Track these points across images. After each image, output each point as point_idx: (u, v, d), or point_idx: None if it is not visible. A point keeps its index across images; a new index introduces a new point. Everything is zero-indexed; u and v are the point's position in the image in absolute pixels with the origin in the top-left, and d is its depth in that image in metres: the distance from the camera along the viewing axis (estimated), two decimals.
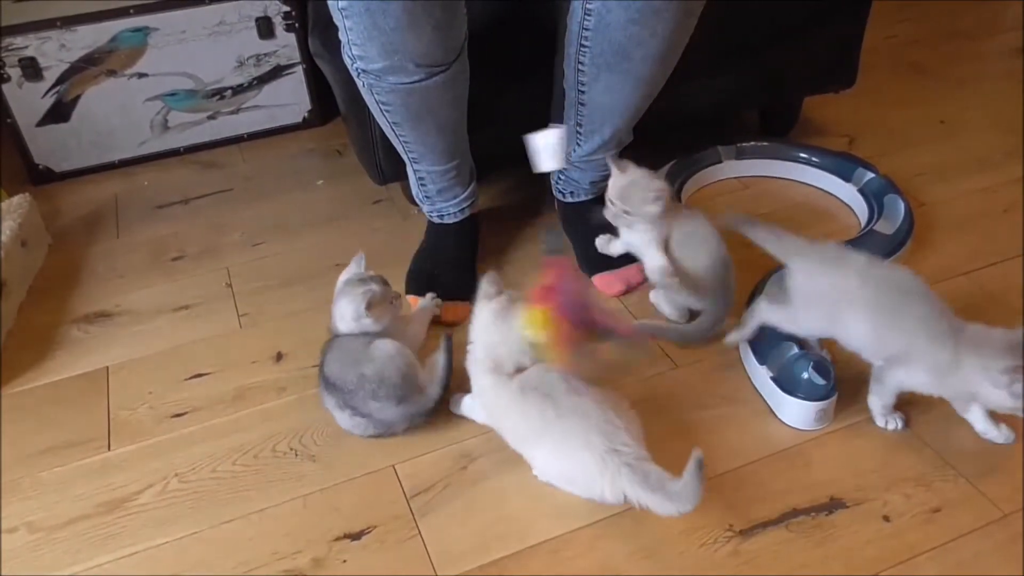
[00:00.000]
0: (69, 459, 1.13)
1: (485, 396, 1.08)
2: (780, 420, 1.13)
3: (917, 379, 1.05)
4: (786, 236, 1.16)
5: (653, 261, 1.22)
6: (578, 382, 1.03)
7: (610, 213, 1.23)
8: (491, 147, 1.39)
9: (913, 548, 0.97)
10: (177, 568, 0.99)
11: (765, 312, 1.15)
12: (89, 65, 1.66)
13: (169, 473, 1.11)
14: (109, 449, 1.15)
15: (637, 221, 1.21)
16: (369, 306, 1.12)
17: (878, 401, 1.10)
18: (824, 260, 1.11)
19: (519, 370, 1.05)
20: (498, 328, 1.07)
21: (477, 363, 1.09)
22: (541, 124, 1.38)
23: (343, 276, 1.19)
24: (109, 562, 1.00)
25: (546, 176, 1.45)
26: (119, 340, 1.33)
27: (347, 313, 1.13)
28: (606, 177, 1.40)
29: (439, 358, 1.14)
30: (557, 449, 1.00)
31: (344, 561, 0.99)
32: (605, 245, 1.31)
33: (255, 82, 1.79)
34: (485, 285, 1.10)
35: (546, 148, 1.07)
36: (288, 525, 1.03)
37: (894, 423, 1.10)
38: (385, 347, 1.11)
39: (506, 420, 1.06)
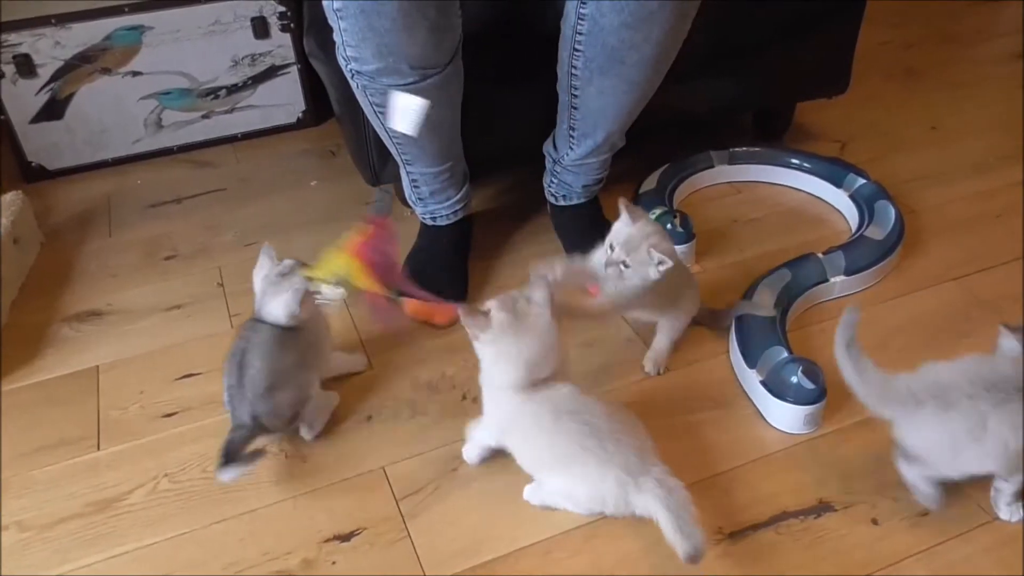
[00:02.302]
0: (59, 458, 1.13)
1: (509, 417, 1.02)
2: (769, 424, 1.14)
3: None
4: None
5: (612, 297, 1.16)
6: (607, 403, 1.01)
7: (606, 258, 1.14)
8: (484, 149, 1.40)
9: (901, 552, 0.98)
10: (167, 568, 0.99)
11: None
12: (83, 63, 1.66)
13: (159, 473, 1.11)
14: (99, 448, 1.15)
15: (632, 278, 1.13)
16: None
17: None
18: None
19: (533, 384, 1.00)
20: (543, 339, 0.99)
21: (500, 384, 1.01)
22: (536, 127, 1.40)
23: (261, 271, 1.12)
24: (99, 562, 1.00)
25: (540, 179, 1.45)
26: (110, 339, 1.33)
27: (288, 306, 1.07)
28: (599, 181, 1.41)
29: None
30: (587, 474, 0.97)
31: (334, 563, 0.99)
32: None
33: (250, 82, 1.79)
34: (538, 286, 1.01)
35: (403, 110, 1.07)
36: (278, 526, 1.03)
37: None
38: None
39: (529, 443, 1.01)
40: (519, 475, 1.06)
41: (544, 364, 0.99)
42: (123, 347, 1.31)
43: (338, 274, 1.08)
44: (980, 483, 1.04)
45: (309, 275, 1.08)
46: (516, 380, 0.99)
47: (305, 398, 1.10)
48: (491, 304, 0.99)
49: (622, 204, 1.15)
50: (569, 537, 1.00)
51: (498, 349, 0.99)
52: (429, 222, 1.41)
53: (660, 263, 1.10)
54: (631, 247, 1.12)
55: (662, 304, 1.20)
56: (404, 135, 1.23)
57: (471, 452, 1.09)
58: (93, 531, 1.04)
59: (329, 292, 1.10)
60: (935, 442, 0.96)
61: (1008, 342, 0.99)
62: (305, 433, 1.13)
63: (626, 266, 1.12)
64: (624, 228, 1.14)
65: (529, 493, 1.04)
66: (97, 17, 1.63)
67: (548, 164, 1.43)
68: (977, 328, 1.27)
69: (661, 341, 1.23)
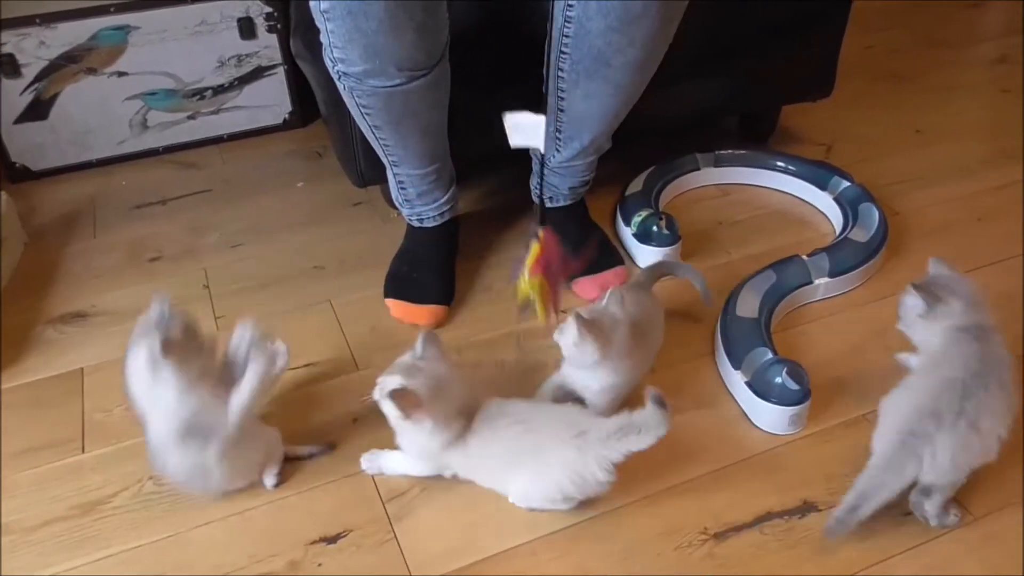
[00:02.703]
0: (43, 461, 1.13)
1: (447, 451, 1.00)
2: (754, 424, 1.14)
3: None
4: None
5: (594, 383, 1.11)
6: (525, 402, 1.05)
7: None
8: (472, 152, 1.39)
9: (885, 551, 0.99)
10: (153, 571, 0.99)
11: None
12: (68, 63, 1.65)
13: (144, 475, 1.10)
14: (84, 451, 1.14)
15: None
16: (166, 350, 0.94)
17: None
18: None
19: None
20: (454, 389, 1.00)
21: (436, 426, 0.98)
22: None
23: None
24: (84, 565, 1.00)
25: (526, 181, 1.46)
26: (95, 341, 1.32)
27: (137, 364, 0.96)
28: (585, 183, 1.42)
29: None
30: (537, 466, 0.99)
31: (320, 564, 0.99)
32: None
33: (236, 83, 1.78)
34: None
35: (517, 127, 1.08)
36: (265, 528, 1.03)
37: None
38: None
39: (482, 462, 1.02)
40: None
41: (461, 403, 1.00)
42: (108, 349, 1.30)
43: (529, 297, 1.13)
44: (966, 482, 1.05)
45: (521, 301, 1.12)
46: (446, 438, 0.99)
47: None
48: (395, 379, 0.96)
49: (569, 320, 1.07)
50: (554, 539, 1.01)
51: (435, 420, 0.97)
52: (416, 224, 1.41)
53: (577, 343, 1.04)
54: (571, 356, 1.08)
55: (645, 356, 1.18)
56: (395, 137, 1.24)
57: (381, 464, 1.09)
58: (78, 534, 1.03)
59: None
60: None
61: (911, 300, 1.04)
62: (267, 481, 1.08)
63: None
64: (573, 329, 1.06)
65: (516, 497, 1.04)
66: (82, 17, 1.62)
67: (535, 166, 1.43)
68: None
69: None
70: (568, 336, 1.05)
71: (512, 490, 1.03)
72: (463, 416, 1.00)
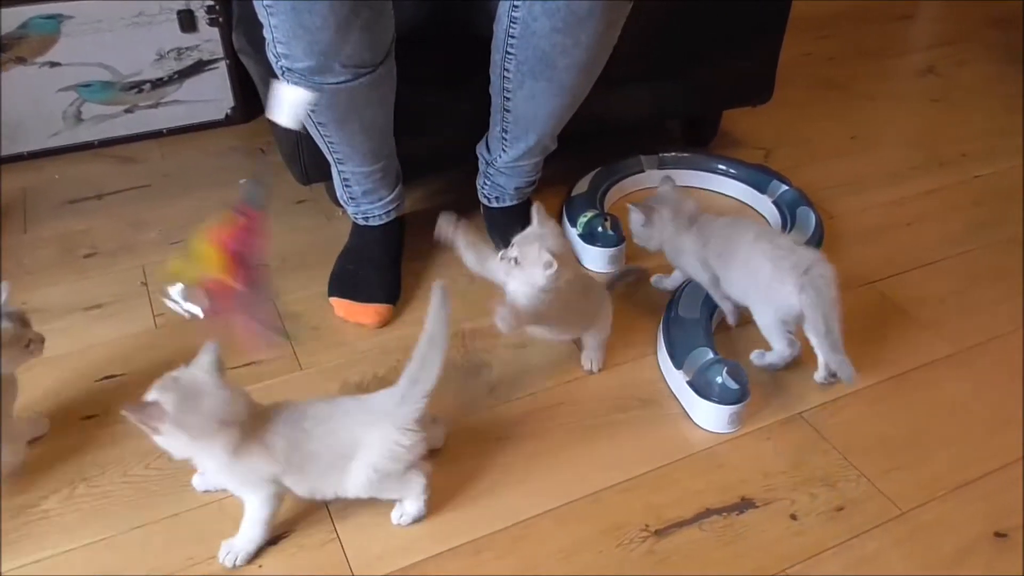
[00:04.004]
0: None
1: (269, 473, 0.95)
2: (695, 423, 1.16)
3: None
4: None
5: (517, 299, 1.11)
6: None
7: (501, 252, 1.12)
8: (418, 150, 1.39)
9: (818, 545, 1.01)
10: (85, 574, 0.96)
11: None
12: None
13: (77, 477, 1.07)
14: None
15: (520, 275, 1.10)
16: None
17: None
18: None
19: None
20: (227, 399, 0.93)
21: (192, 439, 0.91)
22: (470, 129, 1.40)
23: None
24: (12, 571, 0.96)
25: (473, 180, 1.46)
26: None
27: None
28: (531, 183, 1.43)
29: None
30: (360, 455, 0.96)
31: (260, 566, 0.97)
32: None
33: (176, 76, 1.74)
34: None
35: (289, 103, 0.99)
36: (202, 530, 1.01)
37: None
38: None
39: (314, 469, 0.97)
40: (451, 477, 1.06)
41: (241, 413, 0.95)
42: None
43: (189, 273, 0.97)
44: (895, 478, 1.09)
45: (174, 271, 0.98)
46: (230, 441, 0.93)
47: None
48: (152, 393, 0.90)
49: (534, 208, 1.13)
50: (498, 537, 1.01)
51: (190, 433, 0.91)
52: (361, 222, 1.40)
53: (548, 265, 1.05)
54: (525, 244, 1.09)
55: (576, 320, 1.21)
56: (339, 134, 1.22)
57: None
58: (6, 538, 1.00)
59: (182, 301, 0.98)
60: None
61: (634, 215, 1.31)
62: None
63: (516, 262, 1.09)
64: (527, 230, 1.13)
65: (355, 490, 0.99)
66: (11, 4, 1.57)
67: (481, 166, 1.43)
68: (890, 330, 1.33)
69: (591, 342, 1.24)
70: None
71: (348, 487, 0.98)
72: (230, 427, 0.92)
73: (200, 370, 0.93)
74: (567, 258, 1.10)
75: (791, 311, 1.15)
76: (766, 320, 1.19)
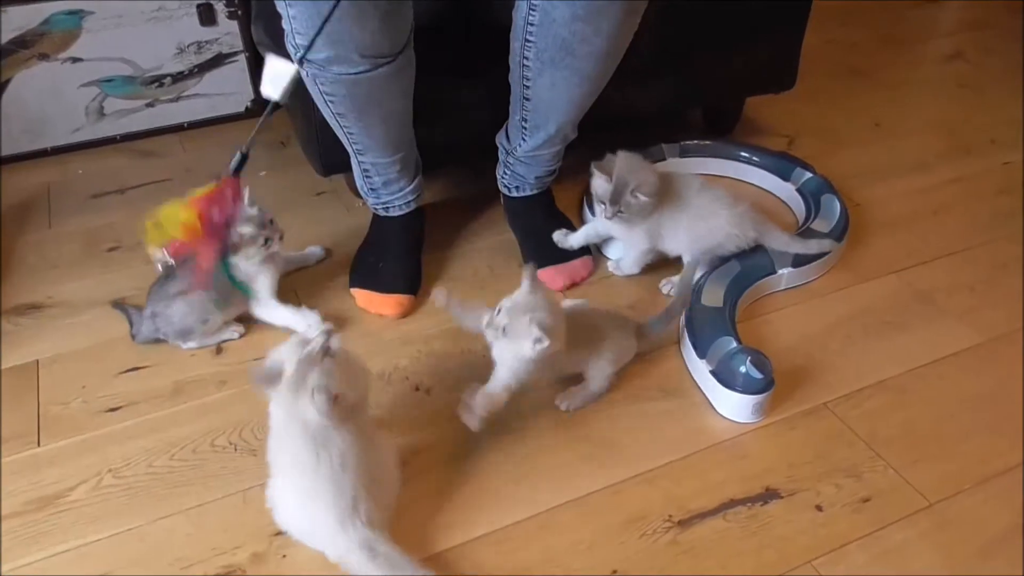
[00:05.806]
0: None
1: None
2: (719, 413, 1.15)
3: None
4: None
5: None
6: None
7: (487, 318, 1.06)
8: (437, 140, 1.39)
9: (843, 537, 1.00)
10: (111, 565, 0.97)
11: None
12: (20, 48, 1.61)
13: (103, 469, 1.08)
14: (39, 445, 1.11)
15: (508, 345, 1.05)
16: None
17: None
18: None
19: None
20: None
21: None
22: (489, 118, 1.40)
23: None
24: (40, 560, 0.98)
25: (493, 170, 1.45)
26: (51, 333, 1.29)
27: None
28: (551, 172, 1.42)
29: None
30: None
31: (284, 556, 0.98)
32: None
33: (196, 70, 1.75)
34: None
35: (274, 76, 1.00)
36: (227, 520, 1.02)
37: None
38: None
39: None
40: (475, 463, 1.06)
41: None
42: (64, 341, 1.27)
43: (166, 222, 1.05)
44: (922, 469, 1.07)
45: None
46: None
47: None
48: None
49: (525, 271, 1.06)
50: (521, 528, 1.01)
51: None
52: (382, 213, 1.39)
53: (537, 341, 1.00)
54: (515, 313, 1.03)
55: (577, 360, 1.15)
56: (359, 125, 1.22)
57: None
58: (34, 529, 1.01)
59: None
60: None
61: (596, 180, 1.29)
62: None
63: (504, 333, 1.04)
64: (517, 295, 1.06)
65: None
66: (34, 0, 1.58)
67: (501, 155, 1.43)
68: (915, 320, 1.31)
69: (586, 385, 1.16)
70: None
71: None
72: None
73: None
74: (557, 331, 1.04)
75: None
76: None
